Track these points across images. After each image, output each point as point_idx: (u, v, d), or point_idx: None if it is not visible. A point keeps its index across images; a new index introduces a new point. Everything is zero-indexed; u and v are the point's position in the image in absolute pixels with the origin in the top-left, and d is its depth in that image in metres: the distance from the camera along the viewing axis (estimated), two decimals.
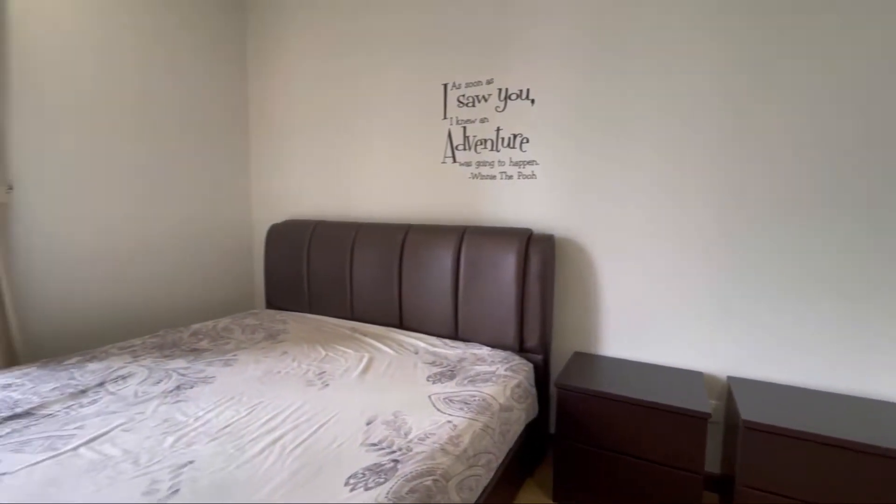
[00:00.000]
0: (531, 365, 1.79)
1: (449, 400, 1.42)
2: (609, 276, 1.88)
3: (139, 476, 1.01)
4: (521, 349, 1.88)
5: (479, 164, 2.09)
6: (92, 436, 1.18)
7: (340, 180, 2.53)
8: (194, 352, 1.85)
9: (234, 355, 1.81)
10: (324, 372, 1.64)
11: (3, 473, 1.01)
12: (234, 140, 2.74)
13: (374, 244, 2.22)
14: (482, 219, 2.11)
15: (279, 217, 2.73)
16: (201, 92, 2.52)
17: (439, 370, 1.66)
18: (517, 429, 1.56)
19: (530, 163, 1.97)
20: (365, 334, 2.07)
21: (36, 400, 1.38)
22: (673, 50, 1.68)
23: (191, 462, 1.07)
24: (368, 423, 1.26)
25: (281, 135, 2.71)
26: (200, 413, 1.32)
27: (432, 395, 1.45)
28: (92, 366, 1.66)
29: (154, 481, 0.99)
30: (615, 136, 1.81)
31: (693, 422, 1.46)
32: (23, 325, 1.81)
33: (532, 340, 1.85)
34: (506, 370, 1.66)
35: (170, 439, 1.17)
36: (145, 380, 1.55)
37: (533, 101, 1.94)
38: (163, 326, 2.32)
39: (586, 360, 1.88)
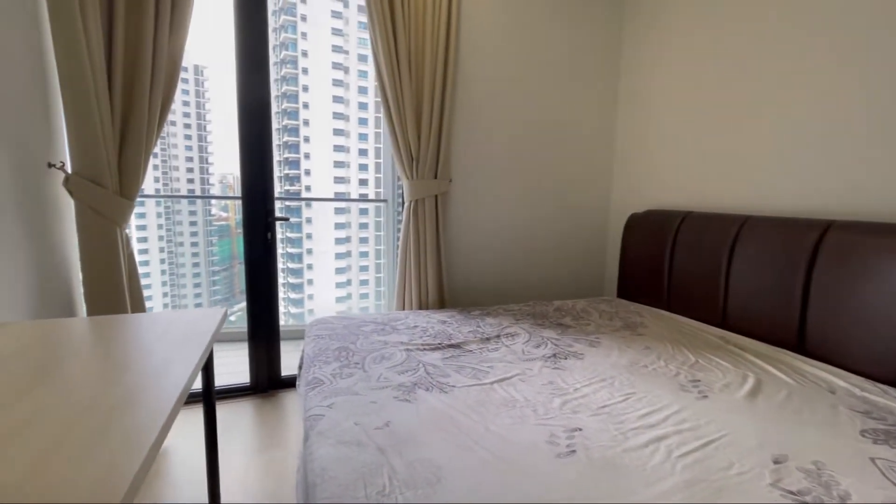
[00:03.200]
0: None
1: None
2: None
3: (540, 425, 1.18)
4: None
5: None
6: (500, 377, 1.47)
7: (719, 166, 2.18)
8: (560, 326, 2.05)
9: (597, 338, 1.88)
10: (698, 380, 1.47)
11: (453, 386, 1.39)
12: (601, 135, 2.82)
13: (766, 242, 1.81)
14: None
15: (639, 206, 2.65)
16: (574, 84, 2.71)
17: (882, 427, 1.18)
18: None
19: None
20: (744, 349, 1.73)
21: (460, 337, 1.85)
22: None
23: (579, 429, 1.16)
24: (776, 462, 1.03)
25: (649, 121, 2.59)
26: (578, 385, 1.42)
27: (877, 460, 1.04)
28: (489, 320, 2.10)
29: (552, 434, 1.13)
30: None
31: None
32: (448, 280, 2.49)
33: None
34: None
35: (557, 401, 1.31)
36: (528, 341, 1.82)
37: None
38: (531, 298, 2.70)
39: None
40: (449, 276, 2.50)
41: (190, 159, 5.01)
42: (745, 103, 2.05)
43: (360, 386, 1.37)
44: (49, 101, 1.66)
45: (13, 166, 1.45)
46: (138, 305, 1.81)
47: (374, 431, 1.11)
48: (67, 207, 1.72)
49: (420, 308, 2.36)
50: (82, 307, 1.73)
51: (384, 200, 3.58)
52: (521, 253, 2.72)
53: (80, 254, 1.66)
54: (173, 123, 4.87)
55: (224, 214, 5.06)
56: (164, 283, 4.37)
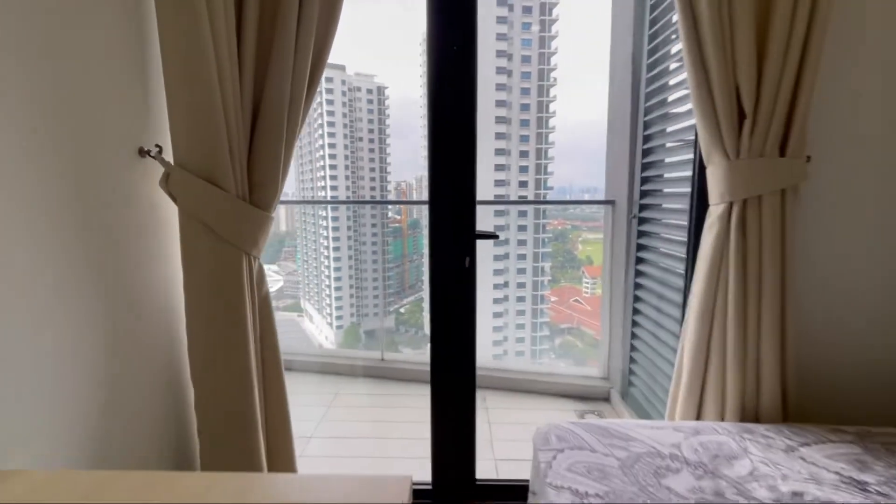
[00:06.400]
0: None
1: None
2: None
3: None
4: None
5: None
6: None
7: None
8: None
9: None
10: None
11: None
12: None
13: None
14: None
15: None
16: None
17: None
18: None
19: None
20: None
21: None
22: None
23: None
24: None
25: None
26: None
27: None
28: None
29: None
30: None
31: None
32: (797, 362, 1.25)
33: None
34: None
35: None
36: None
37: None
38: None
39: None
40: (798, 355, 1.26)
41: (372, 169, 5.88)
42: None
43: None
44: (146, 65, 1.05)
45: (81, 156, 0.85)
46: (275, 393, 1.11)
47: None
48: (167, 226, 1.09)
49: (744, 418, 1.19)
50: (190, 396, 1.09)
51: (611, 202, 2.46)
52: None
53: (186, 303, 1.01)
54: (360, 139, 5.86)
55: (398, 217, 5.55)
56: (350, 277, 5.02)
